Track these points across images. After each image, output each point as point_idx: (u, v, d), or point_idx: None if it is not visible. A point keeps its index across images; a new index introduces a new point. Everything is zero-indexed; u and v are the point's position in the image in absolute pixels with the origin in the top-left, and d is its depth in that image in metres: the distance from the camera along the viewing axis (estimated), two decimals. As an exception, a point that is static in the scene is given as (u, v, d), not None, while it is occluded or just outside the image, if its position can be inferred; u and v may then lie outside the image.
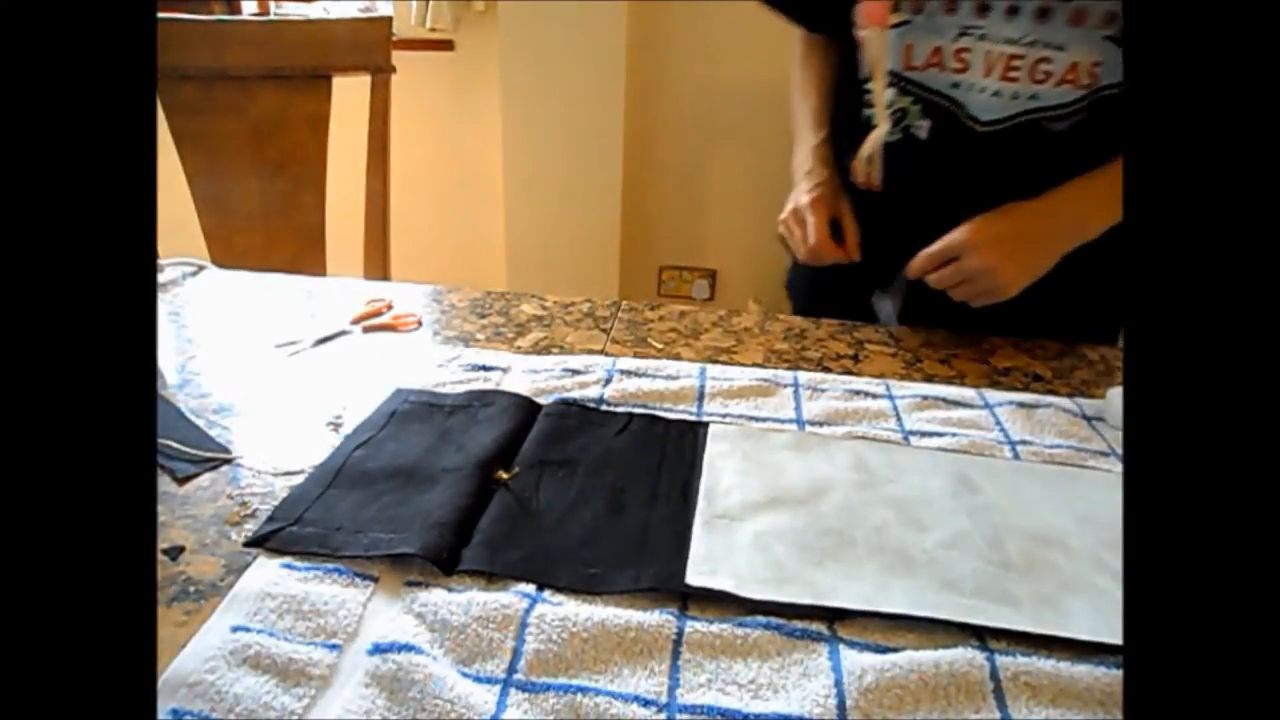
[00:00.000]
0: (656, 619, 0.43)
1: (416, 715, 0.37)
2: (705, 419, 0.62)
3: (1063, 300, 0.80)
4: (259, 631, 0.41)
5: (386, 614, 0.43)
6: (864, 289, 0.86)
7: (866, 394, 0.67)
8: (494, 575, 0.46)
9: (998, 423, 0.64)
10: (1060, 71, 0.71)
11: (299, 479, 0.54)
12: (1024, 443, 0.61)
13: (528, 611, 0.43)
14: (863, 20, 0.78)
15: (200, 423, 0.61)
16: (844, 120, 0.87)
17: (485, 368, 0.70)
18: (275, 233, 1.28)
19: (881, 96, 0.78)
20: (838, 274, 0.84)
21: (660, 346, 0.76)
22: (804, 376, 0.70)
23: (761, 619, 0.43)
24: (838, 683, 0.39)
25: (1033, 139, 0.74)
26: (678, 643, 0.42)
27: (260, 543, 0.48)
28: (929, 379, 0.71)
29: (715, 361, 0.73)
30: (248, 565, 0.46)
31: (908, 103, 0.78)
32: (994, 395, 0.68)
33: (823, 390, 0.67)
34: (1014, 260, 0.71)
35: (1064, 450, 0.60)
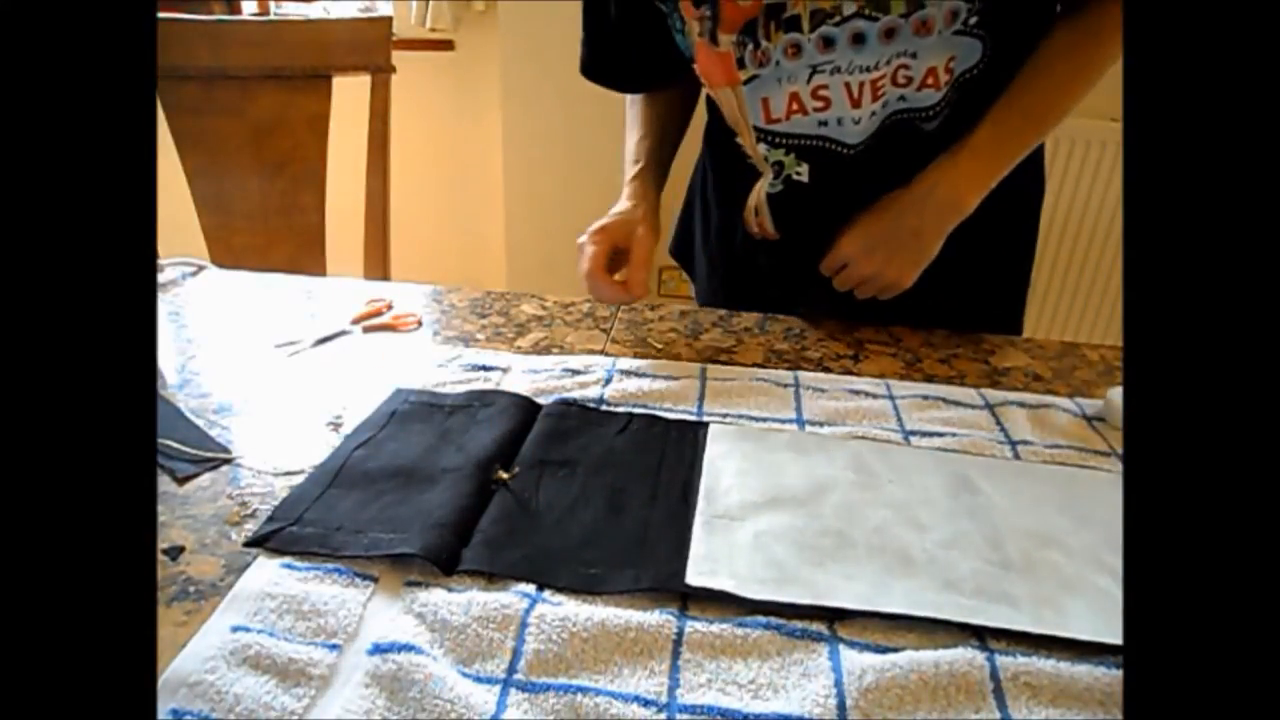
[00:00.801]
0: (656, 619, 0.43)
1: (416, 715, 0.37)
2: (705, 419, 0.62)
3: (968, 287, 0.82)
4: (259, 631, 0.41)
5: (386, 614, 0.43)
6: (783, 305, 0.86)
7: (866, 394, 0.67)
8: (494, 575, 0.46)
9: (998, 423, 0.64)
10: (920, 76, 0.70)
11: (299, 479, 0.54)
12: (1024, 443, 0.61)
13: (528, 611, 0.43)
14: (707, 81, 0.76)
15: (200, 423, 0.61)
16: (730, 170, 0.85)
17: (485, 368, 0.70)
18: (275, 233, 1.28)
19: (754, 150, 0.77)
20: (752, 290, 0.86)
21: (660, 346, 0.76)
22: (804, 376, 0.70)
23: (761, 619, 0.43)
24: (838, 683, 0.39)
25: (907, 142, 0.73)
26: (678, 643, 0.42)
27: (260, 543, 0.48)
28: (929, 379, 0.71)
29: (715, 361, 0.73)
30: (248, 565, 0.46)
31: (781, 154, 0.77)
32: (994, 395, 0.68)
33: (823, 390, 0.67)
34: (894, 262, 0.74)
35: (1064, 450, 0.60)
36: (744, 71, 0.72)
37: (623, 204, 0.80)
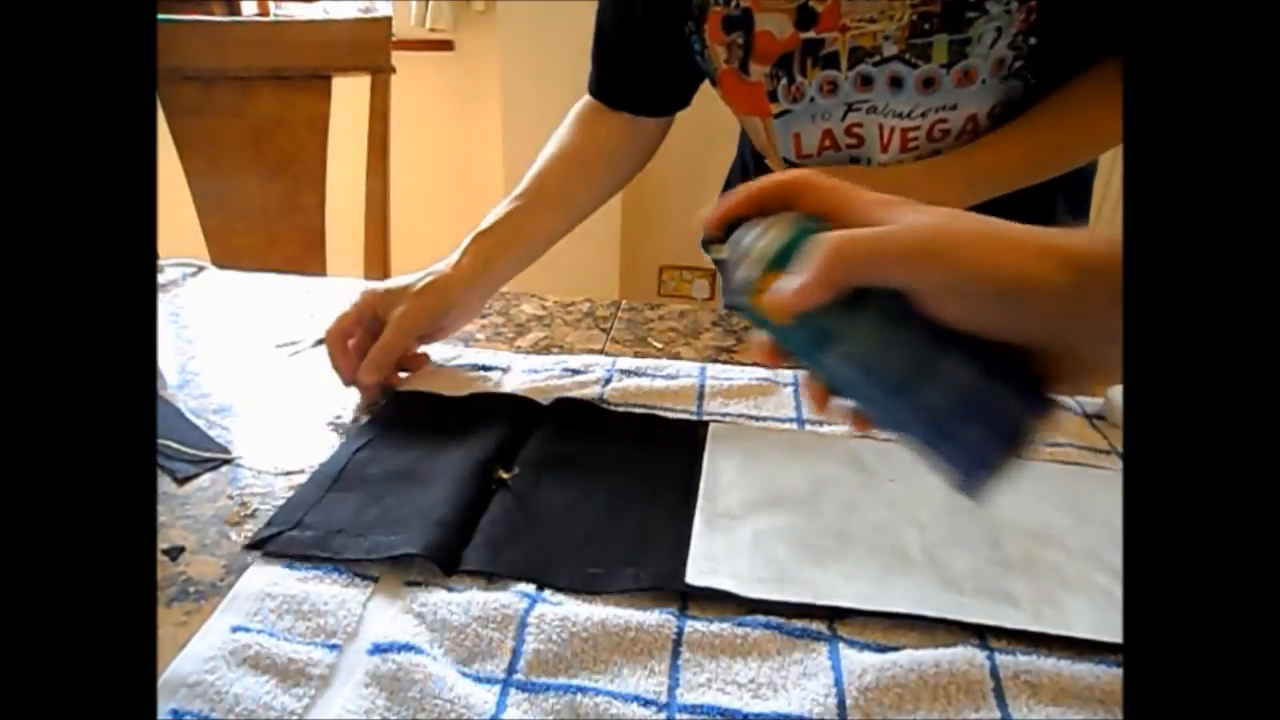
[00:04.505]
0: (656, 619, 0.43)
1: (416, 715, 0.37)
2: (705, 418, 0.62)
3: None
4: (259, 631, 0.41)
5: (386, 614, 0.43)
6: None
7: (866, 393, 0.67)
8: (494, 575, 0.46)
9: (998, 422, 0.64)
10: (958, 127, 0.66)
11: (299, 479, 0.54)
12: (1024, 442, 0.61)
13: (528, 611, 0.43)
14: (734, 106, 0.72)
15: (200, 423, 0.61)
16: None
17: (485, 368, 0.70)
18: (275, 233, 1.28)
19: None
20: None
21: (660, 346, 0.76)
22: (804, 375, 0.70)
23: (761, 618, 0.43)
24: (838, 682, 0.39)
25: None
26: (678, 642, 0.42)
27: (259, 546, 0.48)
28: (929, 378, 0.71)
29: (715, 361, 0.73)
30: (248, 565, 0.46)
31: None
32: (994, 394, 0.68)
33: (823, 390, 0.67)
34: None
35: (1064, 448, 0.60)
36: (775, 105, 0.69)
37: (439, 266, 0.71)
